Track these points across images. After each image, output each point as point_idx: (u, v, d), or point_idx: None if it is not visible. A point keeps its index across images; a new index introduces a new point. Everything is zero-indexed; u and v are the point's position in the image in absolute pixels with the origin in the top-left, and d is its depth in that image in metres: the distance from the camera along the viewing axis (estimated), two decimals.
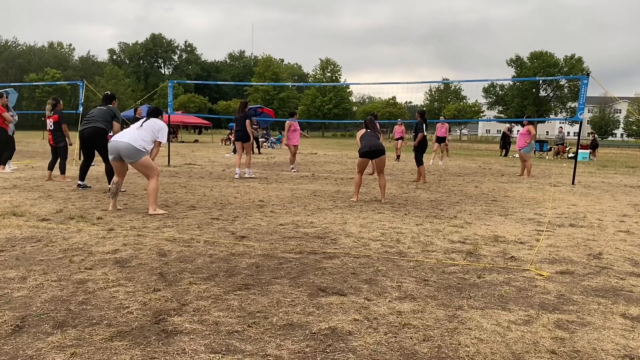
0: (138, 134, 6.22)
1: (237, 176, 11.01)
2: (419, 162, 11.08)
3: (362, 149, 7.98)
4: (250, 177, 11.00)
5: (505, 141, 26.49)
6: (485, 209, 7.35)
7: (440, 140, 18.35)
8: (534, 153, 27.65)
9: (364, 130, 8.33)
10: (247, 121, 10.81)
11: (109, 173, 8.20)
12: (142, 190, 8.41)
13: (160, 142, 6.43)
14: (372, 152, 7.92)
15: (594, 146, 26.10)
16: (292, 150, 13.65)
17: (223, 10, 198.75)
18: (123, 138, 6.17)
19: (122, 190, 7.01)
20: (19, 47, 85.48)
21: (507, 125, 29.57)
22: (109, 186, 6.53)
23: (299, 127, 13.84)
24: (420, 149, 11.03)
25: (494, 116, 75.64)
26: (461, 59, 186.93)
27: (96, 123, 8.05)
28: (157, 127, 6.41)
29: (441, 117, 21.82)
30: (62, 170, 9.44)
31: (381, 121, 13.74)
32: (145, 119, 6.53)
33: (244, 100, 11.57)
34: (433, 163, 17.43)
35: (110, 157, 6.31)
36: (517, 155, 15.11)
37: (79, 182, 8.47)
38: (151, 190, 6.22)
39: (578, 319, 3.04)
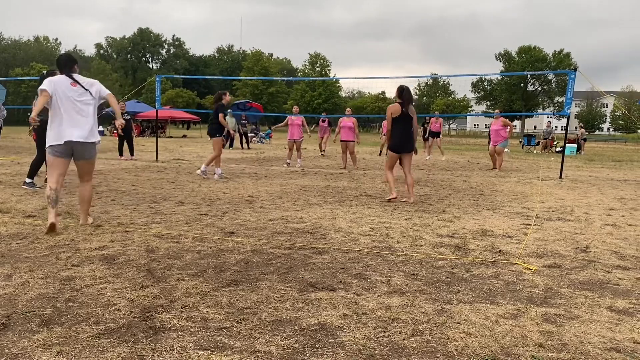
0: (91, 121, 4.99)
1: (216, 177, 9.77)
2: None
3: (394, 144, 7.21)
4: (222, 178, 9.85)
5: None
6: (473, 203, 7.38)
7: (435, 134, 18.51)
8: (522, 147, 27.90)
9: (398, 108, 7.11)
10: (220, 115, 9.71)
11: (37, 166, 7.60)
12: (130, 186, 8.35)
13: (109, 94, 5.17)
14: (403, 148, 7.24)
15: (580, 141, 26.34)
16: (288, 144, 13.60)
17: (211, 4, 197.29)
18: (75, 136, 4.87)
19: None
20: (4, 41, 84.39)
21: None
22: (47, 193, 4.88)
23: (298, 122, 13.52)
24: None
25: (482, 111, 76.01)
26: (449, 53, 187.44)
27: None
28: (98, 92, 5.10)
29: (435, 112, 21.89)
30: None
31: (370, 116, 13.69)
32: (65, 76, 4.96)
33: (220, 92, 10.30)
34: (431, 158, 17.70)
35: (55, 156, 4.91)
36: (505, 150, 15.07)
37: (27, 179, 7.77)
38: (89, 197, 5.22)
39: (565, 313, 3.06)
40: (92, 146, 5.05)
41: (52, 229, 4.70)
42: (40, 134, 7.24)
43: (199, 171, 9.88)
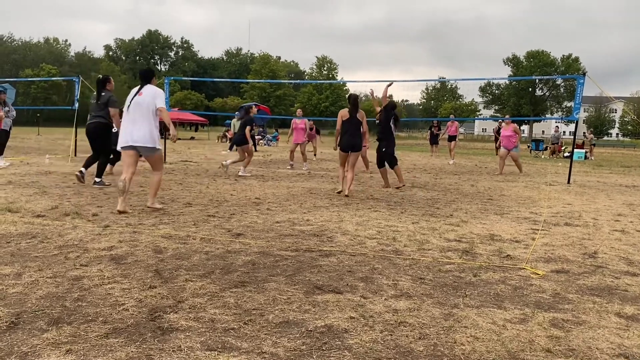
0: (148, 127, 5.95)
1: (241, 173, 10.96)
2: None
3: (343, 144, 8.16)
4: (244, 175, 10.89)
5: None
6: (481, 207, 7.36)
7: (451, 138, 18.50)
8: (530, 152, 27.79)
9: (347, 113, 8.16)
10: (247, 127, 11.00)
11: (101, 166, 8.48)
12: (137, 187, 8.39)
13: (162, 109, 6.08)
14: (349, 147, 8.16)
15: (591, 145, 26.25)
16: (292, 147, 13.63)
17: (219, 7, 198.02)
18: (136, 140, 5.94)
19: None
20: (15, 42, 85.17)
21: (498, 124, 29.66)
22: (118, 183, 5.91)
23: (302, 125, 13.58)
24: None
25: (490, 115, 75.76)
26: (457, 57, 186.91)
27: (95, 118, 8.20)
28: (154, 99, 6.04)
29: (451, 116, 21.85)
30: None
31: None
32: (140, 90, 6.10)
33: (246, 105, 11.69)
34: (453, 162, 17.64)
35: (126, 153, 6.10)
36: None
37: (96, 178, 8.42)
38: (155, 183, 6.26)
39: (573, 318, 3.05)
40: (150, 149, 6.04)
41: (121, 212, 5.84)
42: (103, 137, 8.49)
43: (227, 162, 10.93)
